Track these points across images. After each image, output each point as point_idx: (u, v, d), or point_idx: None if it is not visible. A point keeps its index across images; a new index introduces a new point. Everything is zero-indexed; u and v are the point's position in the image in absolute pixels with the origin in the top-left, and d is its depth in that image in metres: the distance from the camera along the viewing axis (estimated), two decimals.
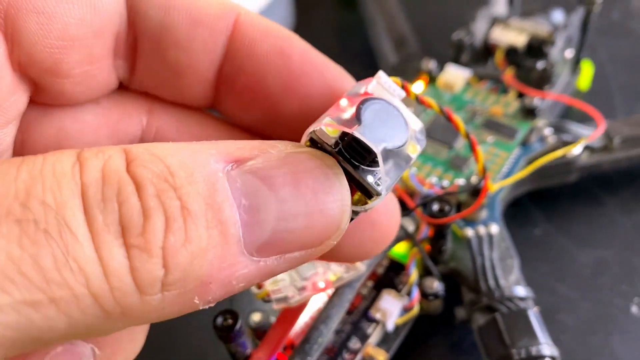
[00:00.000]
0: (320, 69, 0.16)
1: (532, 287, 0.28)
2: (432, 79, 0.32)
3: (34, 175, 0.11)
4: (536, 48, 0.33)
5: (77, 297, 0.11)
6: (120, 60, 0.16)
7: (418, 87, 0.32)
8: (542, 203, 0.33)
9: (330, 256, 0.16)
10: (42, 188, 0.11)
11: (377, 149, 0.14)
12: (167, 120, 0.17)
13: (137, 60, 0.16)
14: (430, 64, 0.32)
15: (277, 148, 0.13)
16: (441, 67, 0.33)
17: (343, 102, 0.14)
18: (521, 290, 0.27)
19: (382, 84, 0.15)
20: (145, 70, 0.16)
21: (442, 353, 0.29)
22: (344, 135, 0.14)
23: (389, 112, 0.14)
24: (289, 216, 0.13)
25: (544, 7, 0.36)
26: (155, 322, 0.13)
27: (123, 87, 0.17)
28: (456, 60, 0.33)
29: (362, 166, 0.14)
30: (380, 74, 0.15)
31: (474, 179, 0.27)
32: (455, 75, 0.32)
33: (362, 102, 0.14)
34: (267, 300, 0.25)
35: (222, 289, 0.12)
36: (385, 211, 0.17)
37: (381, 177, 0.14)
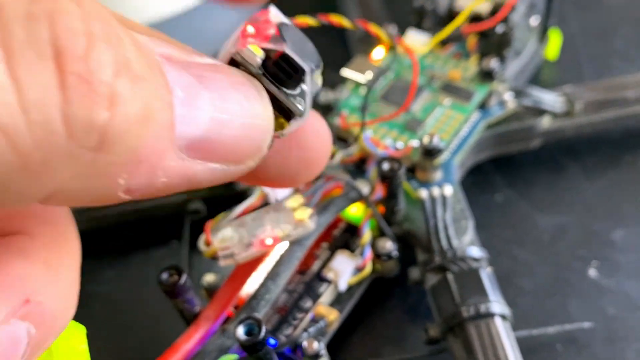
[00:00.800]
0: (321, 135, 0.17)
1: (491, 252, 0.28)
2: (392, 47, 0.32)
3: None
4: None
5: None
6: None
7: (379, 52, 0.32)
8: (504, 169, 0.33)
9: (259, 177, 0.16)
10: None
11: (307, 67, 0.14)
12: None
13: None
14: (390, 29, 0.32)
15: (206, 59, 0.13)
16: (403, 33, 0.33)
17: (250, 28, 0.14)
18: (475, 251, 0.26)
19: (275, 16, 0.14)
20: None
21: (398, 316, 0.28)
22: (268, 55, 0.14)
23: (302, 38, 0.14)
24: (223, 121, 0.12)
25: None
26: (73, 207, 0.12)
27: None
28: (418, 26, 0.33)
29: (284, 88, 0.14)
30: (272, 8, 0.14)
31: (426, 139, 0.27)
32: (415, 40, 0.32)
33: (280, 25, 0.14)
34: (215, 257, 0.25)
35: (147, 176, 0.11)
36: (315, 134, 0.16)
37: (305, 98, 0.14)
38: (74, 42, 0.09)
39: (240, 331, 0.21)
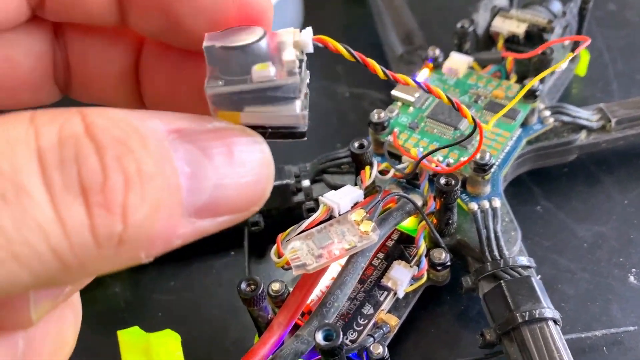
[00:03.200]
0: None
1: (534, 260, 0.30)
2: (437, 66, 0.34)
3: None
4: (535, 36, 0.35)
5: (38, 253, 0.12)
6: None
7: (423, 74, 0.34)
8: (542, 182, 0.35)
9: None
10: None
11: (206, 44, 0.15)
12: (82, 43, 0.18)
13: None
14: (436, 52, 0.34)
15: (213, 122, 0.15)
16: (446, 56, 0.35)
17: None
18: (524, 260, 0.28)
19: (296, 33, 0.16)
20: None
21: (450, 321, 0.30)
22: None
23: (253, 32, 0.15)
24: (224, 184, 0.14)
25: None
26: (106, 274, 0.14)
27: (36, 17, 0.18)
28: (459, 49, 0.35)
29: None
30: (308, 29, 0.16)
31: (478, 156, 0.28)
32: (459, 61, 0.34)
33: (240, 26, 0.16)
34: (286, 268, 0.26)
35: (164, 246, 0.14)
36: None
37: (208, 76, 0.15)
38: (93, 180, 0.12)
39: (320, 337, 0.23)
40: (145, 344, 0.23)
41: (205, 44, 0.15)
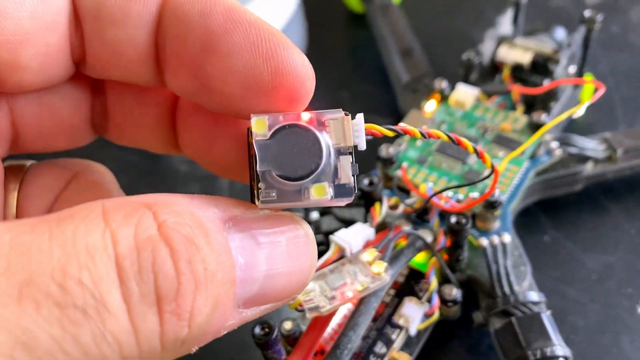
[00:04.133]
0: (245, 26, 0.15)
1: (543, 291, 0.30)
2: (444, 98, 0.34)
3: (68, 252, 0.12)
4: (541, 65, 0.35)
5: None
6: (74, 47, 0.17)
7: (431, 105, 0.34)
8: (551, 212, 0.35)
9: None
10: (77, 266, 0.12)
11: (259, 162, 0.15)
12: (120, 94, 0.19)
13: (84, 44, 0.17)
14: (443, 84, 0.34)
15: (264, 211, 0.15)
16: (452, 85, 0.35)
17: (305, 115, 0.16)
18: (534, 295, 0.28)
19: (348, 121, 0.15)
20: (92, 54, 0.17)
21: (461, 355, 0.30)
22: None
23: (309, 144, 0.15)
24: (274, 275, 0.15)
25: (546, 26, 0.38)
26: None
27: (79, 73, 0.18)
28: (466, 79, 0.35)
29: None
30: (359, 117, 0.16)
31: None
32: (466, 93, 0.34)
33: (286, 126, 0.15)
34: (299, 309, 0.27)
35: (213, 337, 0.14)
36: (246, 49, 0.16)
37: (263, 192, 0.15)
38: (168, 289, 0.13)
39: None
40: None
41: (259, 172, 0.15)
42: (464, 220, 0.27)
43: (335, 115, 0.16)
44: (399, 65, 0.39)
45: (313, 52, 0.46)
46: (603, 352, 0.30)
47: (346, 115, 0.16)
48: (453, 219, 0.28)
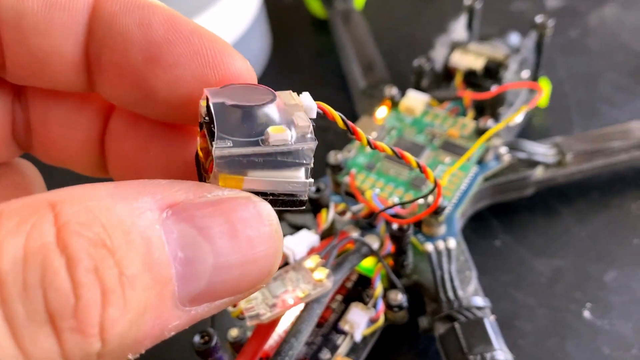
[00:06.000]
0: (187, 36, 0.15)
1: (491, 296, 0.30)
2: (394, 104, 0.35)
3: None
4: (493, 70, 0.35)
5: None
6: None
7: (382, 112, 0.34)
8: (502, 216, 0.35)
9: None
10: None
11: (211, 97, 0.14)
12: (44, 106, 0.18)
13: (4, 52, 0.16)
14: (393, 90, 0.34)
15: (213, 192, 0.13)
16: (403, 92, 0.35)
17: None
18: (479, 301, 0.29)
19: (294, 96, 0.15)
20: (13, 60, 0.16)
21: (408, 359, 0.31)
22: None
23: (261, 91, 0.15)
24: (225, 267, 0.13)
25: (501, 31, 0.38)
26: None
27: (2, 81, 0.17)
28: (417, 86, 0.36)
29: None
30: (305, 94, 0.15)
31: (430, 199, 0.29)
32: (415, 99, 0.34)
33: (239, 83, 0.15)
34: (241, 317, 0.27)
35: (154, 342, 0.13)
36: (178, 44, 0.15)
37: (217, 134, 0.14)
38: (62, 304, 0.11)
39: None
40: None
41: (212, 100, 0.14)
42: (405, 227, 0.28)
43: (284, 92, 0.15)
44: (357, 72, 0.40)
45: (277, 57, 0.46)
46: (549, 356, 0.30)
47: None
48: (395, 226, 0.28)
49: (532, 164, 0.33)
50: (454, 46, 0.37)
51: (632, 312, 0.31)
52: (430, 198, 0.29)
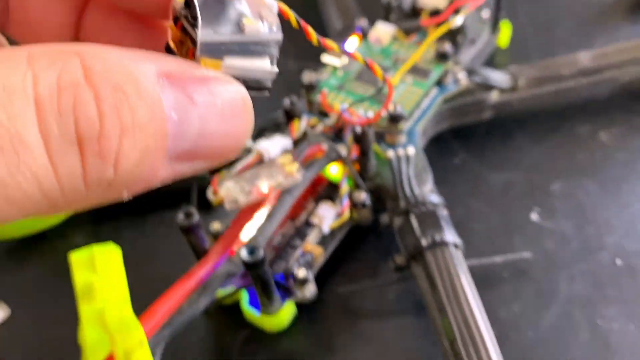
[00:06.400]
0: None
1: (450, 203, 0.34)
2: (364, 35, 0.38)
3: None
4: (457, 9, 0.39)
5: (29, 196, 0.13)
6: None
7: (353, 42, 0.38)
8: (462, 138, 0.39)
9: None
10: None
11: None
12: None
13: None
14: (362, 22, 0.38)
15: (200, 69, 0.15)
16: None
17: None
18: (434, 197, 0.32)
19: None
20: None
21: (374, 256, 0.34)
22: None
23: None
24: (208, 134, 0.15)
25: None
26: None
27: None
28: (386, 19, 0.39)
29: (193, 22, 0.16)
30: None
31: (391, 108, 0.33)
32: (383, 31, 0.38)
33: None
34: (221, 204, 0.31)
35: (145, 187, 0.14)
36: None
37: (201, 23, 0.16)
38: (90, 129, 0.13)
39: (244, 253, 0.27)
40: (90, 257, 0.26)
41: None
42: (366, 128, 0.31)
43: None
44: (333, 15, 0.43)
45: None
46: (497, 251, 0.33)
47: None
48: (357, 129, 0.31)
49: (488, 88, 0.37)
50: None
51: (574, 214, 0.34)
52: (391, 108, 0.33)
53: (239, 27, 0.16)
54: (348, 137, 0.34)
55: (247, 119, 0.16)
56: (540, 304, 0.31)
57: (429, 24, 0.37)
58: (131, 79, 0.13)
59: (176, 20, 0.17)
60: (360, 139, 0.32)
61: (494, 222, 0.35)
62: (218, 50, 0.16)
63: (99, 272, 0.27)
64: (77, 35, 0.20)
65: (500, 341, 0.30)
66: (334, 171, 0.35)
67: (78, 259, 0.28)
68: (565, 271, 0.32)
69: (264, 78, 0.17)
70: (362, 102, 0.34)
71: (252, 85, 0.17)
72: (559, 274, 0.32)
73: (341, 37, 0.41)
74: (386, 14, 0.39)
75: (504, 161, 0.38)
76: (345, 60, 0.37)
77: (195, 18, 0.16)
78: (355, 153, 0.33)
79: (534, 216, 0.35)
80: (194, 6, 0.16)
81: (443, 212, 0.32)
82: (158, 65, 0.14)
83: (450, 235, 0.30)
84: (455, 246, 0.31)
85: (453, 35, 0.37)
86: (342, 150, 0.34)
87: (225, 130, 0.15)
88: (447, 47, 0.35)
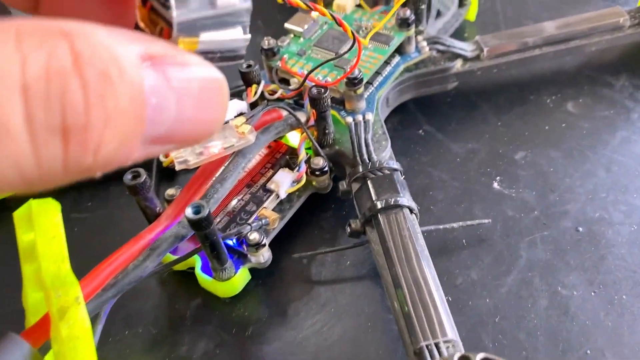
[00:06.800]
0: None
1: (411, 172, 0.34)
2: (328, 4, 0.38)
3: None
4: None
5: (8, 179, 0.13)
6: None
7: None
8: (426, 109, 0.38)
9: None
10: None
11: None
12: None
13: None
14: None
15: (183, 54, 0.15)
16: None
17: None
18: (391, 163, 0.32)
19: None
20: None
21: (332, 223, 0.34)
22: None
23: None
24: (183, 120, 0.15)
25: None
26: None
27: None
28: None
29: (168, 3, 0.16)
30: None
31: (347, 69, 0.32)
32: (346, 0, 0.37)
33: None
34: (172, 166, 0.30)
35: (117, 167, 0.15)
36: None
37: (175, 4, 0.16)
38: (76, 121, 0.13)
39: (189, 211, 0.27)
40: (29, 213, 0.26)
41: None
42: (322, 90, 0.31)
43: None
44: None
45: None
46: (457, 217, 0.33)
47: None
48: (314, 90, 0.31)
49: (452, 57, 0.37)
50: None
51: (536, 183, 0.34)
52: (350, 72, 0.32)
53: (211, 1, 0.16)
54: (307, 103, 0.34)
55: (222, 106, 0.16)
56: (499, 271, 0.31)
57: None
58: (117, 64, 0.13)
59: (144, 1, 0.17)
60: (316, 101, 0.31)
61: (455, 190, 0.34)
62: (193, 27, 0.16)
63: (37, 228, 0.26)
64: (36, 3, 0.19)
65: (457, 307, 0.30)
66: (295, 140, 0.34)
67: (19, 215, 0.27)
68: (526, 238, 0.32)
69: (238, 46, 0.17)
70: (324, 65, 0.33)
71: (227, 55, 0.17)
72: (520, 241, 0.32)
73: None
74: None
75: (468, 132, 0.37)
76: (307, 26, 0.36)
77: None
78: (313, 119, 0.33)
79: (496, 185, 0.34)
80: None
81: (400, 177, 0.31)
82: (143, 47, 0.14)
83: (405, 199, 0.30)
84: (410, 210, 0.30)
85: (416, 5, 0.37)
86: (302, 117, 0.33)
87: (200, 117, 0.15)
88: (408, 12, 0.35)
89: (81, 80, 0.13)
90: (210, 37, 0.16)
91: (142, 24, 0.17)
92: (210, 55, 0.17)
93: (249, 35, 0.17)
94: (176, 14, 0.16)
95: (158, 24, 0.17)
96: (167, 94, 0.14)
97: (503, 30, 0.43)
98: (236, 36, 0.17)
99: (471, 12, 0.42)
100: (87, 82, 0.13)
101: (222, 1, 0.16)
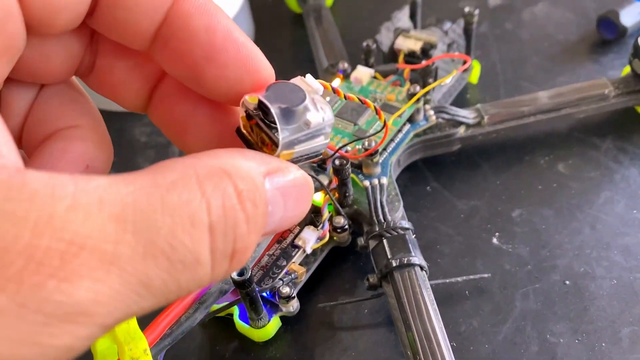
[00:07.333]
0: (238, 46, 0.19)
1: (420, 227, 0.38)
2: (347, 77, 0.43)
3: (176, 220, 0.15)
4: (427, 50, 0.43)
5: (189, 292, 0.16)
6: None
7: (336, 82, 0.42)
8: (434, 168, 0.43)
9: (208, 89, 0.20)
10: (182, 231, 0.15)
11: (270, 105, 0.19)
12: (112, 55, 0.21)
13: (101, 4, 0.19)
14: (345, 65, 0.43)
15: (289, 170, 0.18)
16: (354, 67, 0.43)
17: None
18: (404, 223, 0.37)
19: (305, 80, 0.20)
20: (104, 14, 0.19)
21: (351, 274, 0.39)
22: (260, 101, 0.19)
23: (293, 89, 0.20)
24: (286, 218, 0.18)
25: (439, 21, 0.47)
26: None
27: (83, 22, 0.20)
28: (366, 63, 0.44)
29: (272, 124, 0.19)
30: (308, 75, 0.20)
31: (366, 144, 0.37)
32: (362, 72, 0.42)
33: (272, 84, 0.20)
34: None
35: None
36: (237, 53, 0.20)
37: (280, 129, 0.19)
38: (242, 245, 0.16)
39: (234, 273, 0.32)
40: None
41: (273, 110, 0.19)
42: (344, 162, 0.36)
43: (296, 78, 0.21)
44: (321, 54, 0.48)
45: (259, 45, 0.54)
46: (461, 271, 0.38)
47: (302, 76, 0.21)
48: (337, 162, 0.36)
49: (456, 124, 0.42)
50: (399, 32, 0.45)
51: (530, 239, 0.39)
52: (366, 144, 0.37)
53: (305, 123, 0.20)
54: (329, 168, 0.39)
55: (310, 200, 0.19)
56: (497, 319, 0.35)
57: (404, 68, 0.42)
58: (259, 192, 0.17)
59: (248, 115, 0.21)
60: (339, 171, 0.36)
61: (459, 245, 0.39)
62: (292, 144, 0.19)
63: None
64: (150, 95, 0.22)
65: (460, 353, 0.34)
66: (317, 197, 0.39)
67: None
68: (520, 290, 0.36)
69: (321, 150, 0.21)
70: (343, 133, 0.38)
71: (312, 156, 0.20)
72: (515, 293, 0.36)
73: (328, 75, 0.46)
74: (366, 57, 0.44)
75: (470, 190, 0.42)
76: (329, 99, 0.41)
77: (273, 122, 0.19)
78: (335, 182, 0.37)
79: (495, 240, 0.39)
80: (272, 114, 0.19)
81: (411, 237, 0.36)
82: (265, 168, 0.18)
83: (416, 258, 0.35)
84: (421, 268, 0.35)
85: (423, 77, 0.41)
86: (324, 180, 0.38)
87: (297, 212, 0.19)
88: (417, 88, 0.40)
89: (245, 213, 0.16)
90: (303, 148, 0.20)
91: (245, 132, 0.21)
92: (299, 158, 0.20)
93: (329, 140, 0.21)
94: (282, 137, 0.19)
95: (259, 134, 0.20)
96: (278, 202, 0.18)
97: (502, 90, 0.48)
98: (320, 143, 0.20)
99: (474, 76, 0.47)
100: (249, 215, 0.16)
101: (314, 122, 0.19)
